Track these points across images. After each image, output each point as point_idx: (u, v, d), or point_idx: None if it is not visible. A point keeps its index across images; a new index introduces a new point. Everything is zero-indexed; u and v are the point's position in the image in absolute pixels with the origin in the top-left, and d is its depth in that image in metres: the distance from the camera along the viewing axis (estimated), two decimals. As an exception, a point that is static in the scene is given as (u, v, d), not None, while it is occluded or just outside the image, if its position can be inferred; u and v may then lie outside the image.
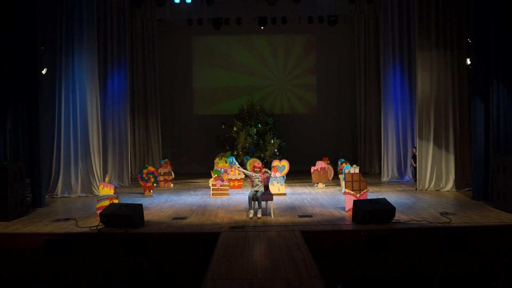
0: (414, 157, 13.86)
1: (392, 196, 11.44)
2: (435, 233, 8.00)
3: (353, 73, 17.85)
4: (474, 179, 10.93)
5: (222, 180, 12.27)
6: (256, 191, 9.28)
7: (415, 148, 13.37)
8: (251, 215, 9.15)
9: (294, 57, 18.45)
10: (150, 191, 12.41)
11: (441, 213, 9.14)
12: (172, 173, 14.32)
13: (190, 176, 16.68)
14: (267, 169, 9.70)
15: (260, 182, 9.35)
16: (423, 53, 12.29)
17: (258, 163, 9.90)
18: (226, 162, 14.15)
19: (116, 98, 14.51)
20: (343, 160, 13.91)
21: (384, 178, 14.80)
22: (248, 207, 9.40)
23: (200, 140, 17.97)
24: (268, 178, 9.66)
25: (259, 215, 9.18)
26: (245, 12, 15.51)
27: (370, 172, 16.93)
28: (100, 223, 8.49)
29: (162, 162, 14.53)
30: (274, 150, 16.37)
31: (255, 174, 9.39)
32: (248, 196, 9.29)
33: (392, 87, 14.83)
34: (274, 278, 5.63)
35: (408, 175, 14.71)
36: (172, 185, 14.27)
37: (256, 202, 9.22)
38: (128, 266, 5.79)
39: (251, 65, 18.41)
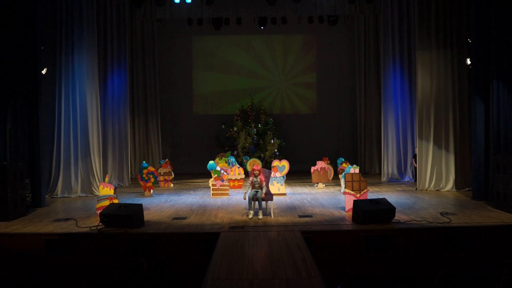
0: (415, 156, 13.85)
1: (392, 196, 11.44)
2: (435, 233, 8.01)
3: (353, 73, 17.85)
4: (474, 179, 10.93)
5: (222, 180, 12.26)
6: (256, 191, 9.23)
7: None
8: (250, 216, 9.13)
9: (294, 57, 18.45)
10: (150, 191, 12.40)
11: (441, 213, 9.14)
12: (172, 173, 14.33)
13: (190, 176, 16.68)
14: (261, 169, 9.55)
15: (260, 188, 9.24)
16: (423, 53, 12.29)
17: (256, 165, 9.68)
18: (226, 162, 14.16)
19: (116, 98, 14.50)
20: (343, 159, 13.87)
21: (384, 178, 14.79)
22: (248, 208, 9.37)
23: (200, 140, 17.97)
24: (268, 178, 9.62)
25: (260, 216, 9.12)
26: (245, 12, 15.52)
27: (370, 172, 16.93)
28: (100, 223, 8.50)
29: (161, 162, 14.53)
30: (274, 150, 16.37)
31: (255, 179, 9.27)
32: (248, 197, 9.26)
33: (392, 87, 14.83)
34: (274, 278, 5.63)
35: (408, 175, 14.70)
36: (172, 185, 14.27)
37: (257, 202, 9.19)
38: (128, 267, 5.80)
39: (251, 65, 18.41)
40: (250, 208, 9.21)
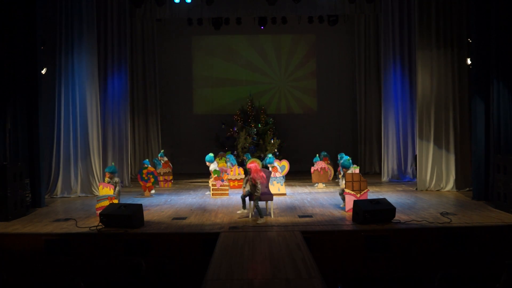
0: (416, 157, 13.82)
1: (392, 196, 11.43)
2: (435, 233, 8.00)
3: (353, 73, 17.85)
4: (475, 179, 10.92)
5: (222, 180, 12.25)
6: (251, 192, 8.95)
7: None
8: (239, 211, 9.04)
9: (294, 57, 18.44)
10: (150, 191, 12.39)
11: (442, 213, 9.14)
12: (171, 171, 14.27)
13: (190, 176, 16.68)
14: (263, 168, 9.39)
15: (254, 187, 8.88)
16: (423, 53, 12.28)
17: (250, 163, 9.42)
18: (226, 162, 14.14)
19: (116, 98, 14.48)
20: (344, 155, 13.45)
21: (384, 178, 14.78)
22: (243, 208, 9.20)
23: (200, 140, 17.95)
24: (268, 178, 9.56)
25: (260, 221, 8.77)
26: (245, 12, 15.50)
27: (370, 172, 16.92)
28: (100, 223, 8.49)
29: (155, 161, 14.39)
30: (274, 150, 16.36)
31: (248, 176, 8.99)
32: (241, 196, 9.07)
33: (392, 87, 14.82)
34: (274, 278, 5.62)
35: (408, 175, 14.69)
36: (169, 184, 14.24)
37: (249, 203, 8.99)
38: (127, 267, 5.79)
39: (251, 65, 18.40)
40: (244, 207, 9.10)
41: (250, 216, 9.27)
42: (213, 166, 12.43)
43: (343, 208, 9.78)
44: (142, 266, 5.75)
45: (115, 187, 9.83)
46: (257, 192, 8.93)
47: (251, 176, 9.00)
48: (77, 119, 12.59)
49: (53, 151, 12.55)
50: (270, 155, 12.73)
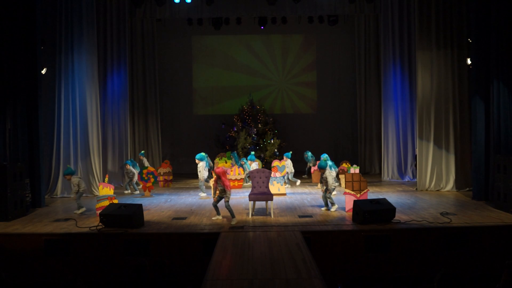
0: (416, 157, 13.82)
1: (392, 196, 11.44)
2: (435, 233, 8.00)
3: (353, 73, 17.86)
4: (475, 179, 10.92)
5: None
6: (221, 197, 8.89)
7: None
8: (214, 218, 8.99)
9: (294, 57, 18.45)
10: (149, 191, 12.40)
11: (442, 213, 9.14)
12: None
13: (190, 176, 16.68)
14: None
15: (224, 192, 8.83)
16: (423, 53, 12.29)
17: (217, 167, 9.27)
18: (226, 162, 14.14)
19: (116, 98, 14.49)
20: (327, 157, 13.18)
21: (384, 178, 14.79)
22: (217, 214, 9.13)
23: (200, 140, 17.96)
24: (268, 178, 9.56)
25: (233, 222, 8.71)
26: (245, 12, 15.53)
27: (370, 172, 16.92)
28: (100, 223, 8.49)
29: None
30: (274, 150, 16.36)
31: (219, 180, 8.88)
32: (212, 204, 9.00)
33: (392, 87, 14.84)
34: (274, 278, 5.62)
35: (408, 175, 14.69)
36: (169, 184, 14.23)
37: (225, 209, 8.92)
38: (130, 268, 5.79)
39: (251, 65, 18.41)
40: (218, 213, 9.03)
41: (250, 216, 9.30)
42: (202, 165, 12.32)
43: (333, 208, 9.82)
44: (145, 267, 5.75)
45: (77, 191, 9.70)
46: (227, 197, 8.82)
47: (221, 179, 8.82)
48: (77, 119, 12.59)
49: (53, 151, 12.55)
50: (252, 153, 13.39)
